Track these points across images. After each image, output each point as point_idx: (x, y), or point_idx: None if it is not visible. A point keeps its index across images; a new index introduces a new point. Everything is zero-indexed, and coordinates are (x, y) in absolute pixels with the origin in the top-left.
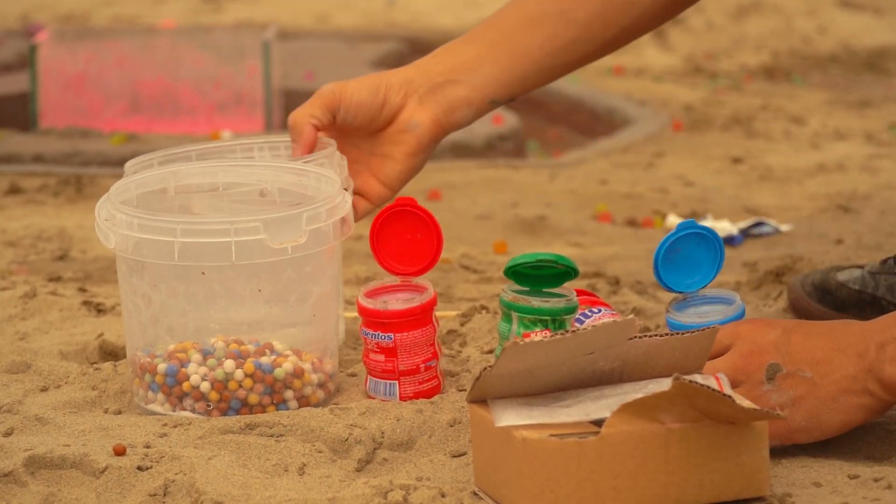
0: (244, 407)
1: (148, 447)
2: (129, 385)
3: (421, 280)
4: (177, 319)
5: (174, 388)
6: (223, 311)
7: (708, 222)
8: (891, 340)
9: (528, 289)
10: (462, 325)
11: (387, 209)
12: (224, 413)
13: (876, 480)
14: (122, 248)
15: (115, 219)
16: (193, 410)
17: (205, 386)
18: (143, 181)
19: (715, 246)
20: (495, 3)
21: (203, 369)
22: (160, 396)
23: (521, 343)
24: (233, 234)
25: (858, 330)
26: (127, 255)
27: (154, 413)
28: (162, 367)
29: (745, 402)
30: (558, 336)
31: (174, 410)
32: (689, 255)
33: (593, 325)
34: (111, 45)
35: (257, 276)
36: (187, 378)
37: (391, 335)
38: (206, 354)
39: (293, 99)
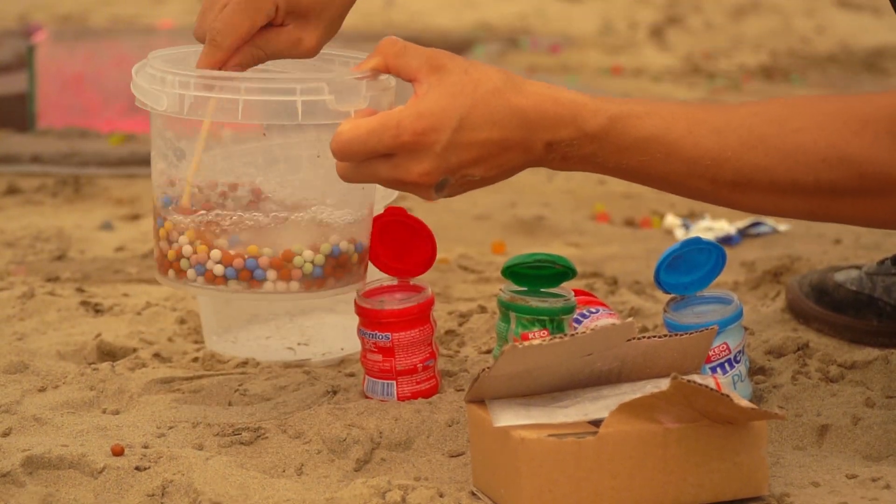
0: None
1: (146, 447)
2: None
3: (418, 280)
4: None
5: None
6: (281, 175)
7: (705, 222)
8: (558, 141)
9: (526, 289)
10: (460, 325)
11: (377, 220)
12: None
13: (874, 480)
14: (174, 110)
15: (164, 80)
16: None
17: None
18: (178, 55)
19: (716, 253)
20: (493, 4)
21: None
22: (192, 258)
23: (520, 346)
24: (298, 94)
25: (524, 123)
26: (182, 116)
27: (179, 284)
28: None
29: (744, 402)
30: (557, 339)
31: (202, 276)
32: (690, 259)
33: (592, 329)
34: (109, 45)
35: (318, 141)
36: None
37: (388, 335)
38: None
39: None
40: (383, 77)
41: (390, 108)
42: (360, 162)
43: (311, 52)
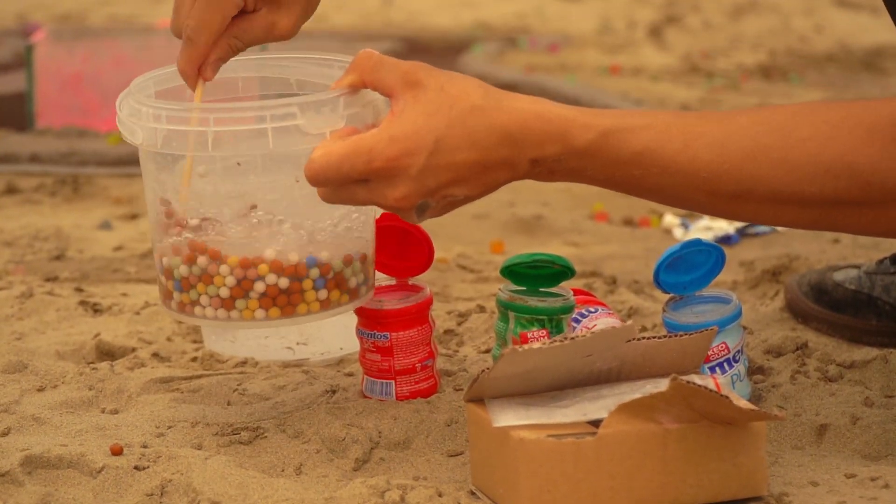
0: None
1: (145, 447)
2: (159, 293)
3: (417, 280)
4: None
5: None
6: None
7: (704, 221)
8: (544, 158)
9: (524, 288)
10: (459, 324)
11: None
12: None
13: (873, 479)
14: (149, 143)
15: (139, 113)
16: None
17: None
18: (164, 77)
19: (715, 253)
20: (492, 3)
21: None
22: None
23: (520, 349)
24: (269, 121)
25: (507, 141)
26: (156, 150)
27: (180, 318)
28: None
29: (743, 403)
30: (557, 342)
31: (199, 307)
32: (689, 259)
33: (592, 332)
34: (108, 44)
35: (295, 166)
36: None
37: (387, 334)
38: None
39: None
40: (365, 91)
41: (376, 123)
42: (337, 187)
43: (288, 35)
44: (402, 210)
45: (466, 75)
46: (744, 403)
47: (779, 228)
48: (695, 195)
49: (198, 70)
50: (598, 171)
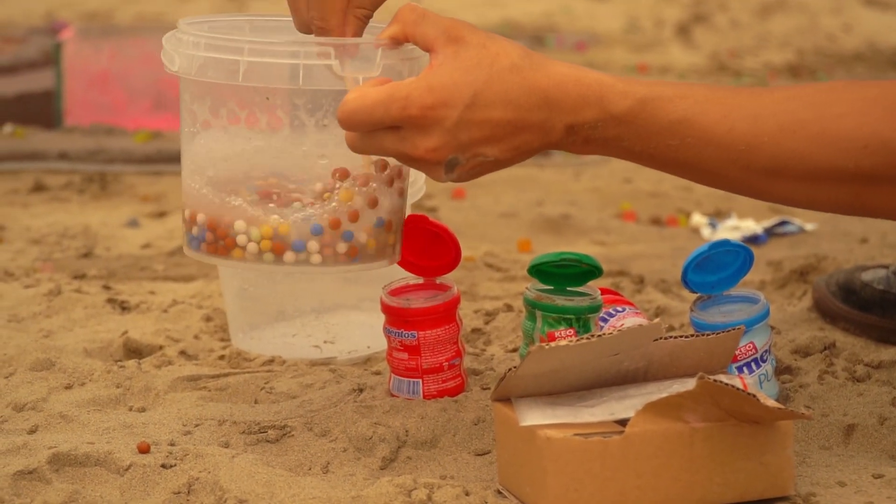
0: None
1: (172, 445)
2: (181, 233)
3: (444, 279)
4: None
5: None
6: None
7: (732, 221)
8: (580, 124)
9: (552, 287)
10: (486, 323)
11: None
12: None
13: None
14: (185, 70)
15: (181, 41)
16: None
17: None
18: (216, 24)
19: (743, 253)
20: (519, 2)
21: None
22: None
23: (547, 346)
24: (302, 57)
25: (544, 104)
26: (191, 77)
27: (204, 259)
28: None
29: (770, 402)
30: (584, 340)
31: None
32: (717, 259)
33: (619, 330)
34: (135, 42)
35: (323, 108)
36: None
37: (414, 333)
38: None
39: None
40: (408, 46)
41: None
42: (367, 133)
43: None
44: (430, 163)
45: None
46: (771, 402)
47: (807, 227)
48: (729, 170)
49: None
50: (634, 140)
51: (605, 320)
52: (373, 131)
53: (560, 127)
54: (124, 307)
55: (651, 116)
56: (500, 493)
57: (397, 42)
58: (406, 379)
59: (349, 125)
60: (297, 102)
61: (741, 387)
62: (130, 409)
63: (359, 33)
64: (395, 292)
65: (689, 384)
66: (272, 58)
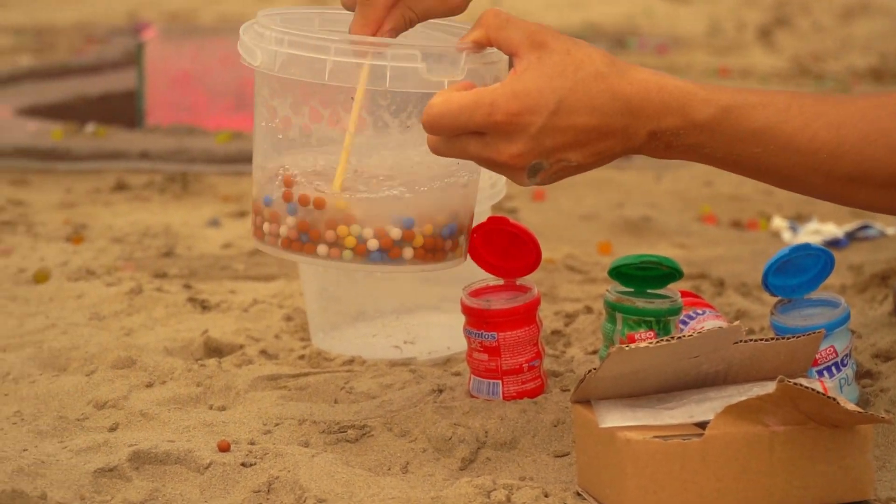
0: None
1: (252, 444)
2: (253, 224)
3: (524, 280)
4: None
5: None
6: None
7: (813, 225)
8: (663, 130)
9: (632, 290)
10: (566, 325)
11: (480, 228)
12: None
13: None
14: (267, 66)
15: (262, 36)
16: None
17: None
18: (289, 15)
19: (824, 257)
20: (600, 4)
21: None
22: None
23: (627, 348)
24: (389, 59)
25: (627, 110)
26: (273, 73)
27: (278, 254)
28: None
29: (850, 406)
30: (664, 342)
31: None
32: (797, 263)
33: (699, 332)
34: (216, 43)
35: (406, 110)
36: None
37: (494, 334)
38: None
39: None
40: (490, 51)
41: (494, 83)
42: (451, 137)
43: (460, 8)
44: (514, 168)
45: (592, 44)
46: (851, 406)
47: (888, 232)
48: (811, 177)
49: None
50: (716, 147)
51: (685, 323)
52: (457, 136)
53: (642, 133)
54: (205, 306)
55: (733, 124)
56: (579, 494)
57: (480, 46)
58: (486, 380)
59: (433, 129)
60: (381, 103)
61: (821, 390)
62: (210, 408)
63: (396, 31)
64: (476, 293)
65: (769, 387)
66: (359, 58)
